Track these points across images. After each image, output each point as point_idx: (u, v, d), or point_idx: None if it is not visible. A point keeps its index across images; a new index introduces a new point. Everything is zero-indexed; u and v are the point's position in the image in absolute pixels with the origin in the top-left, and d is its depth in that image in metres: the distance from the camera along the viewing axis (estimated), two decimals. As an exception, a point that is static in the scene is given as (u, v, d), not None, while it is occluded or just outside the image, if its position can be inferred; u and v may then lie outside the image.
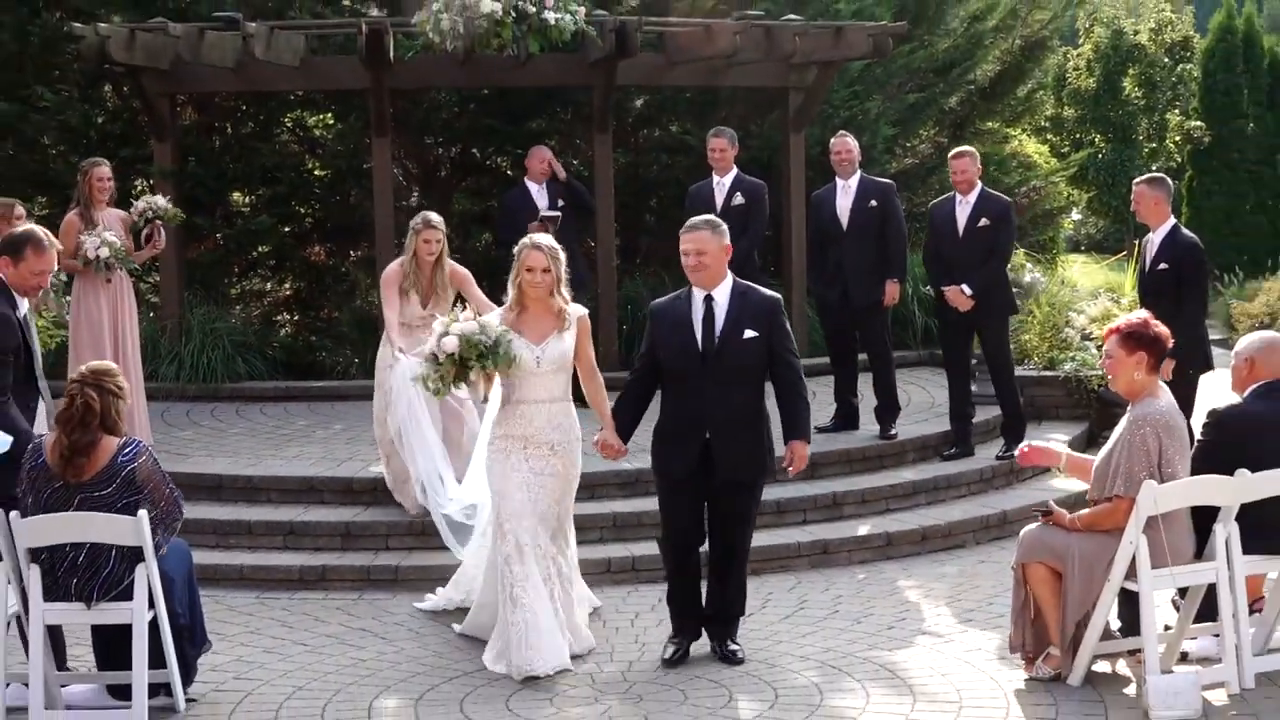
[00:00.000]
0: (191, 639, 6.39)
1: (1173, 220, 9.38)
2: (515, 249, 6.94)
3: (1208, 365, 9.11)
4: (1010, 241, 10.48)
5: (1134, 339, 6.37)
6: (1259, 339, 6.83)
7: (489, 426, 7.19)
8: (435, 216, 8.78)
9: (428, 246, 8.68)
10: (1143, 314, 6.68)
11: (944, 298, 9.96)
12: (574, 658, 6.80)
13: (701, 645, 6.90)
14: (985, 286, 9.83)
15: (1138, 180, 9.72)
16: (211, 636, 6.88)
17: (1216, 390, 9.49)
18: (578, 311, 6.94)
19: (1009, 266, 10.62)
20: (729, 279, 6.68)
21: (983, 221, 9.93)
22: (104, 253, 9.85)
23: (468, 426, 8.65)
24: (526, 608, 6.63)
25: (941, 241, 10.12)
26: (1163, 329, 6.52)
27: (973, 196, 9.97)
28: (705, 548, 6.96)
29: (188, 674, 6.38)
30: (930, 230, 10.37)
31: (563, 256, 6.88)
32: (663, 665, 6.73)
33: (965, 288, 9.77)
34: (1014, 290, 10.65)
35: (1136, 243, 9.76)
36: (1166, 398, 6.49)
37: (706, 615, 6.90)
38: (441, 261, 8.80)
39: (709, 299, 6.63)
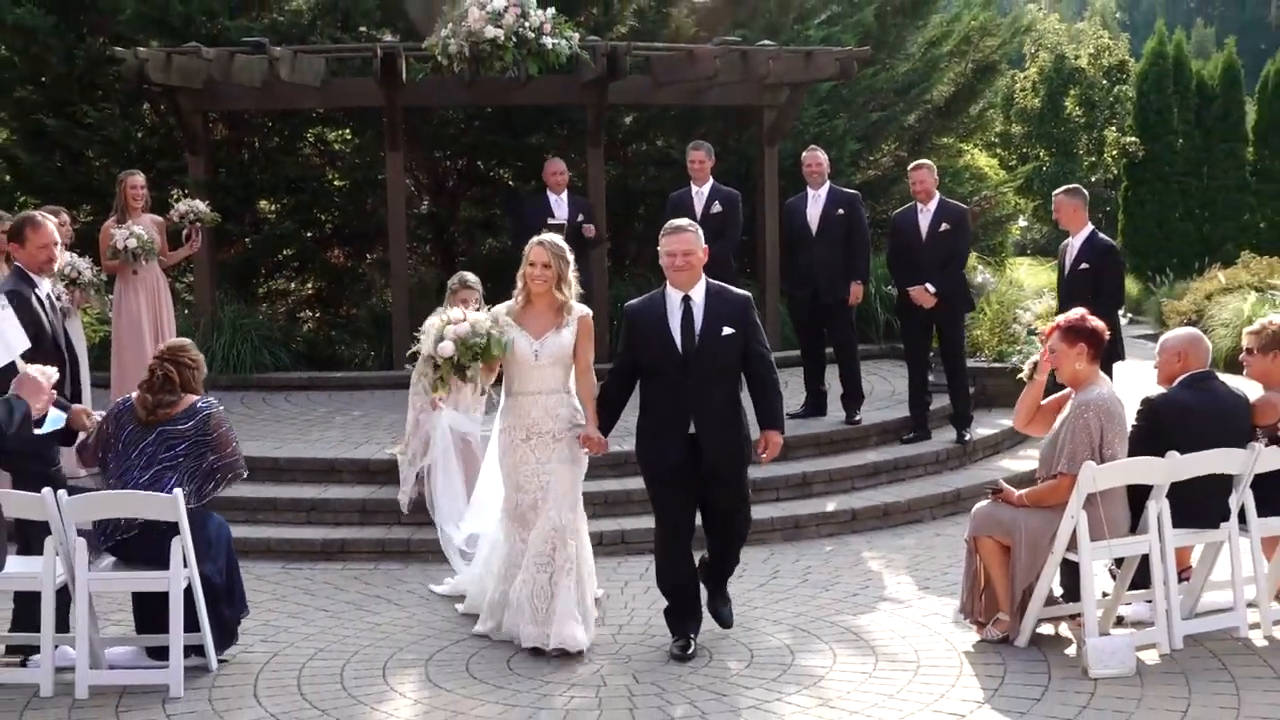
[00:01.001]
0: (229, 601, 6.39)
1: (1090, 226, 9.62)
2: (525, 247, 6.69)
3: (1120, 355, 9.33)
4: (968, 245, 10.55)
5: (1074, 333, 6.43)
6: (1187, 335, 6.86)
7: (497, 419, 6.94)
8: (471, 277, 8.52)
9: (465, 305, 8.49)
10: (1080, 311, 6.70)
11: (909, 296, 9.98)
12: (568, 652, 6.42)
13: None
14: (947, 286, 9.89)
15: (1057, 192, 9.98)
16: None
17: (1129, 377, 9.64)
18: (580, 311, 6.62)
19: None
20: (703, 279, 6.41)
21: (944, 227, 9.97)
22: (131, 243, 9.87)
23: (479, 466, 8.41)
24: (522, 589, 6.46)
25: (905, 246, 10.13)
26: (1099, 323, 6.58)
27: (932, 205, 10.01)
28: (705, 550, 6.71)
29: (226, 635, 6.41)
30: (894, 236, 10.35)
31: (570, 256, 6.59)
32: (674, 661, 6.34)
33: (929, 286, 9.81)
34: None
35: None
36: (1107, 386, 6.54)
37: (703, 565, 6.64)
38: None
39: (687, 299, 6.33)
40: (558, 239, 6.65)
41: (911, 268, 10.06)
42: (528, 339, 6.49)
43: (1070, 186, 10.10)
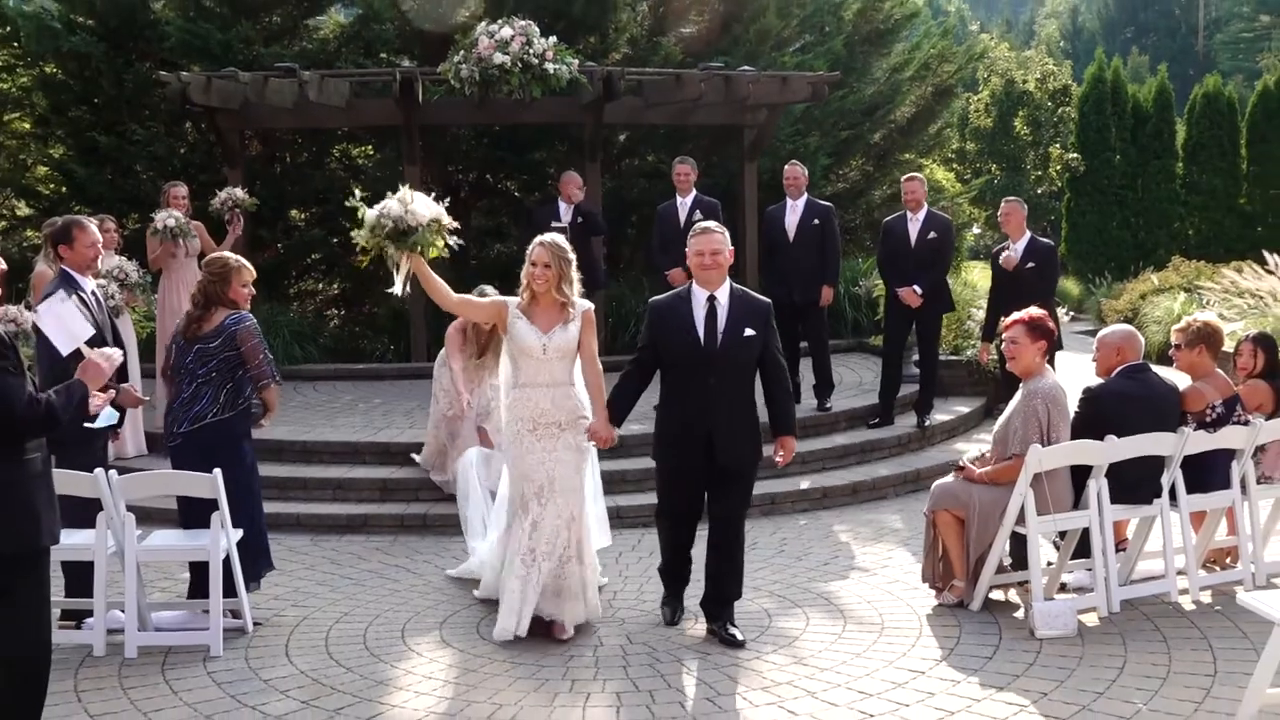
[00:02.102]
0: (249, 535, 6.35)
1: (1029, 231, 9.80)
2: (529, 248, 6.28)
3: (1060, 345, 9.34)
4: (951, 251, 10.56)
5: (1038, 330, 6.46)
6: (1124, 331, 6.87)
7: (505, 411, 6.39)
8: (489, 289, 8.16)
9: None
10: (1042, 311, 6.70)
11: (896, 296, 9.98)
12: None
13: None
14: (931, 287, 9.88)
15: (1008, 200, 10.12)
16: (270, 574, 6.84)
17: (1070, 369, 9.68)
18: (583, 305, 6.21)
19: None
20: (728, 281, 6.02)
21: (931, 235, 9.97)
22: (170, 222, 9.92)
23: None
24: (529, 576, 6.07)
25: (895, 251, 10.11)
26: (1052, 323, 6.60)
27: (922, 214, 10.01)
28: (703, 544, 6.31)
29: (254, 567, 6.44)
30: (885, 241, 10.29)
31: (571, 257, 6.16)
32: (665, 625, 6.22)
33: (917, 288, 9.80)
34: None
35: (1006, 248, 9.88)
36: (1053, 377, 6.54)
37: (707, 597, 6.19)
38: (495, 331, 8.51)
39: (712, 299, 5.94)
40: (559, 239, 6.25)
41: (900, 270, 10.04)
42: (536, 333, 6.10)
43: (1014, 198, 10.32)
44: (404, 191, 6.07)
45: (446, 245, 6.06)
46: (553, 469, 6.11)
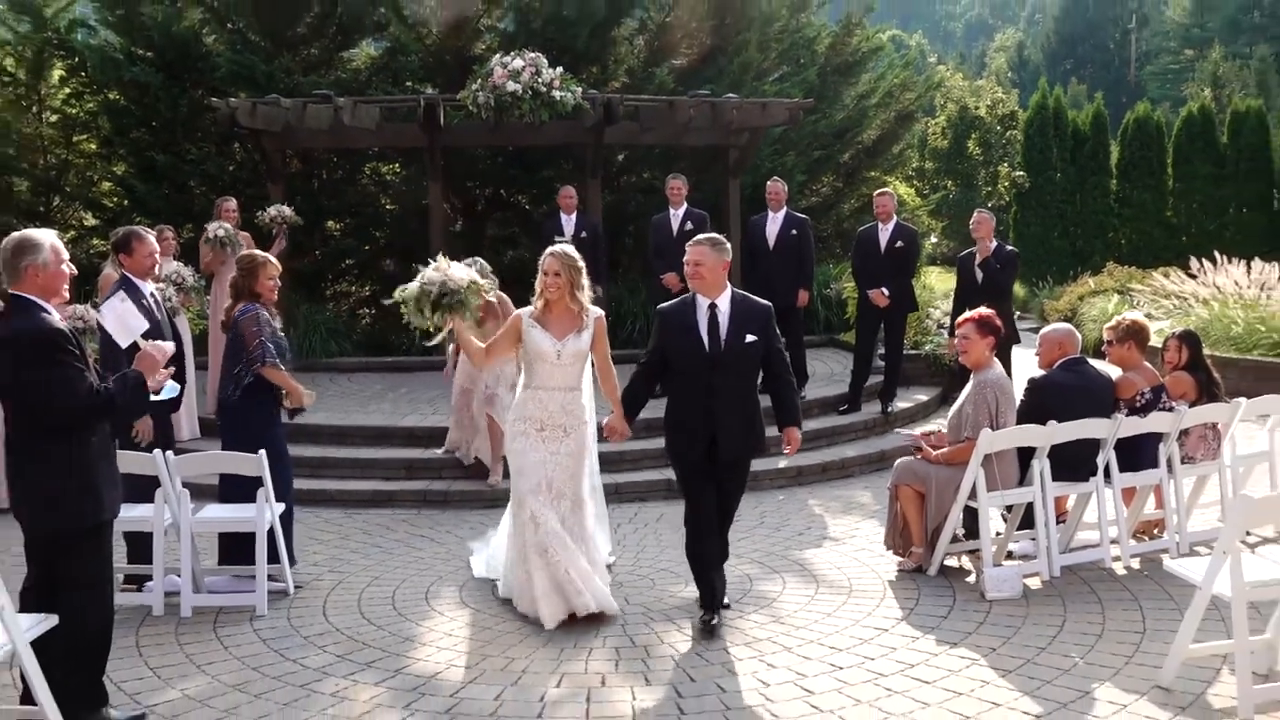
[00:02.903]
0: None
1: (994, 240, 9.87)
2: (541, 259, 5.95)
3: (1017, 339, 9.57)
4: (916, 259, 10.59)
5: (987, 327, 6.45)
6: (1065, 328, 6.87)
7: (512, 409, 6.09)
8: (481, 261, 8.21)
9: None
10: (990, 310, 6.70)
11: (867, 297, 9.97)
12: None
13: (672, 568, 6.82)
14: (897, 291, 9.89)
15: (982, 210, 10.10)
16: (309, 542, 6.88)
17: (1017, 361, 9.71)
18: (596, 313, 5.90)
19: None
20: (729, 289, 5.65)
21: (899, 244, 9.96)
22: (220, 232, 9.93)
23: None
24: (540, 567, 5.70)
25: (867, 257, 10.09)
26: (1000, 323, 6.60)
27: (891, 224, 10.01)
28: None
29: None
30: (858, 248, 10.26)
31: (581, 266, 5.85)
32: (702, 639, 5.56)
33: (884, 290, 9.80)
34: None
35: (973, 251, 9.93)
36: (999, 368, 6.54)
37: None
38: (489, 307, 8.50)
39: (713, 306, 5.61)
40: (569, 249, 5.92)
41: (871, 274, 10.04)
42: (550, 339, 5.77)
43: (987, 209, 10.37)
44: (439, 260, 5.87)
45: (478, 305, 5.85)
46: (552, 471, 5.81)
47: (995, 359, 6.57)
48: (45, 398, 4.23)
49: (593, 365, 6.03)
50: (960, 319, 6.66)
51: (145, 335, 5.05)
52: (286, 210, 10.86)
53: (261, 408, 6.32)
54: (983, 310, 6.61)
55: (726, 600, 5.89)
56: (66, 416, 4.26)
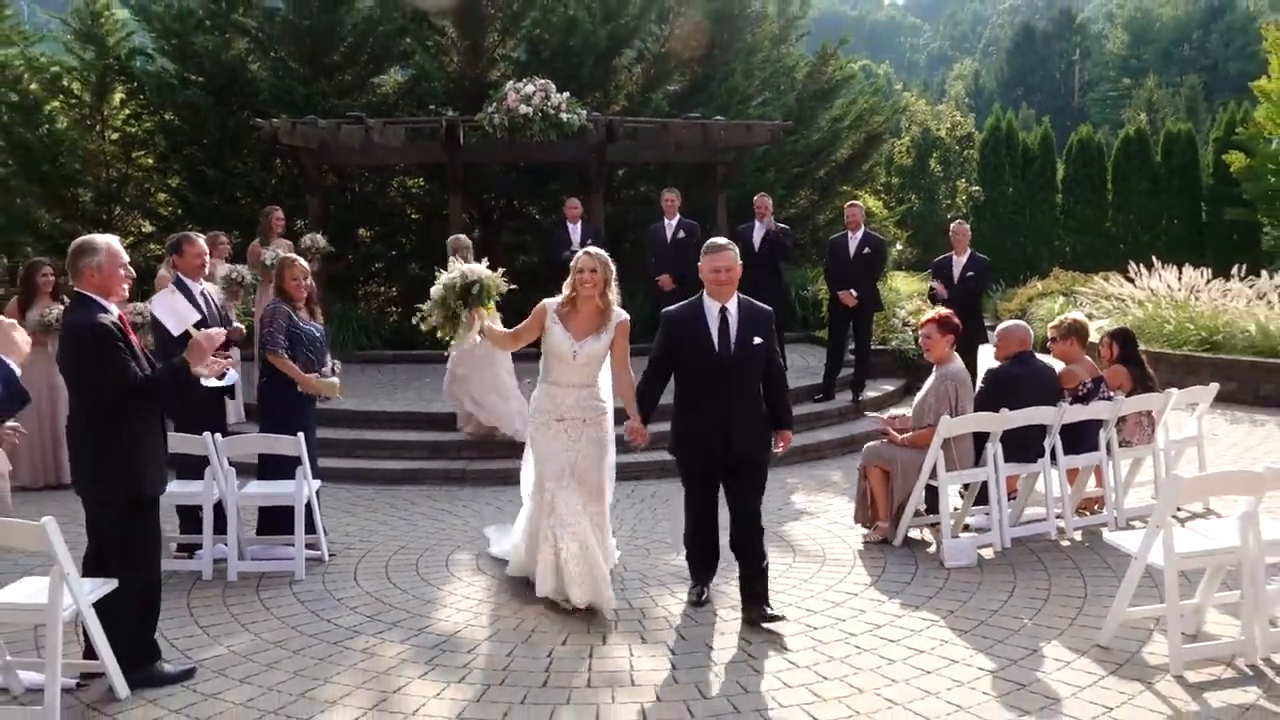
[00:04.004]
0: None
1: (969, 249, 9.76)
2: (573, 260, 5.49)
3: (985, 339, 9.42)
4: (883, 263, 10.62)
5: (947, 326, 6.45)
6: (1018, 326, 6.83)
7: (531, 401, 5.66)
8: (465, 239, 8.64)
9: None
10: (949, 310, 6.68)
11: (837, 299, 9.94)
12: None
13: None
14: (864, 292, 9.88)
15: (960, 222, 10.13)
16: (342, 515, 6.84)
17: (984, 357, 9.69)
18: (621, 316, 5.45)
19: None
20: (736, 293, 5.29)
21: (866, 250, 9.97)
22: (269, 259, 9.84)
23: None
24: (553, 546, 5.31)
25: (837, 262, 10.10)
26: (958, 322, 6.58)
27: (859, 233, 10.02)
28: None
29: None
30: (830, 254, 10.29)
31: (613, 266, 5.44)
32: (691, 607, 5.38)
33: (853, 291, 9.78)
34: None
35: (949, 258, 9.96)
36: (959, 362, 6.52)
37: (744, 593, 5.26)
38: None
39: (724, 310, 5.19)
40: (601, 251, 5.50)
41: (840, 277, 10.04)
42: (569, 339, 5.37)
43: (964, 221, 10.40)
44: (451, 261, 5.68)
45: (499, 293, 5.52)
46: (574, 457, 5.40)
47: (955, 354, 6.55)
48: (94, 383, 4.24)
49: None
50: (922, 320, 6.65)
51: (196, 326, 5.01)
52: (320, 240, 10.82)
53: (286, 393, 6.26)
54: (942, 310, 6.59)
55: (778, 614, 5.19)
56: (112, 399, 4.24)
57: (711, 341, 5.19)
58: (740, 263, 5.29)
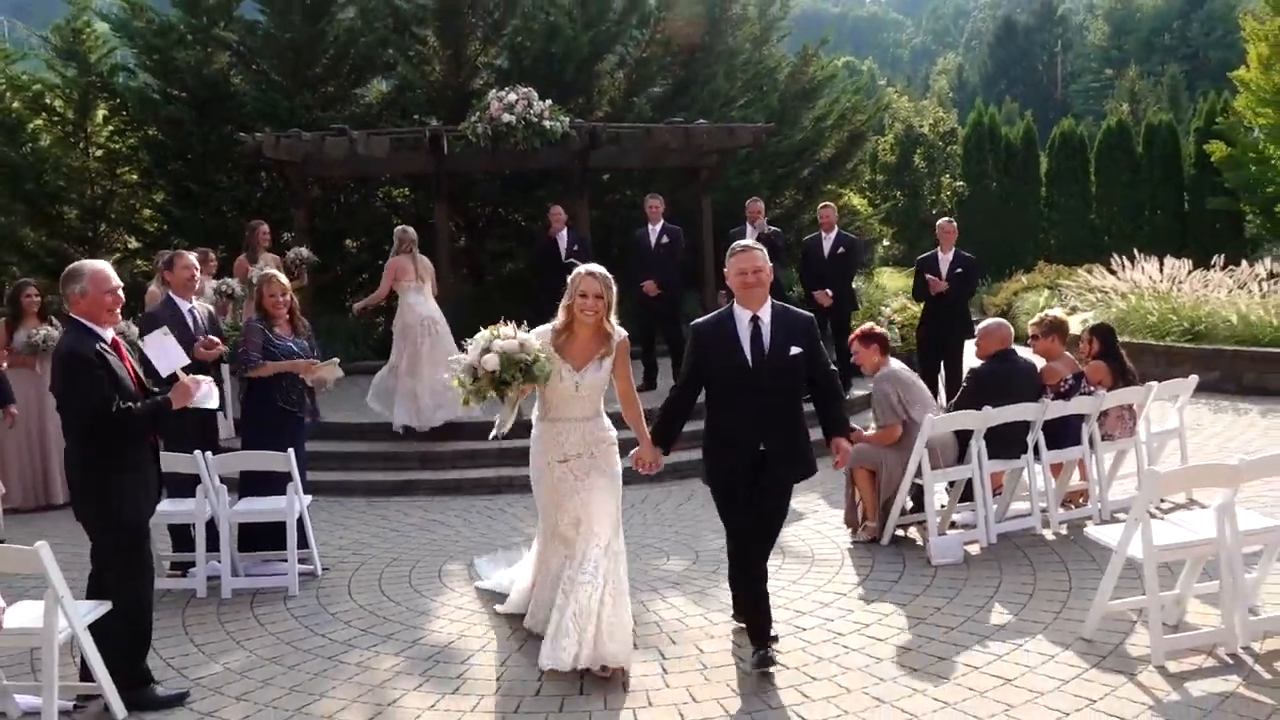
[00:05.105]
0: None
1: (954, 247, 10.00)
2: (570, 276, 4.86)
3: (971, 334, 9.62)
4: (856, 263, 10.75)
5: (867, 338, 6.63)
6: (999, 325, 6.91)
7: (533, 443, 5.00)
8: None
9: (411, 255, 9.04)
10: (869, 325, 6.90)
11: (813, 298, 10.03)
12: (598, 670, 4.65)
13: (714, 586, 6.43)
14: (840, 292, 9.96)
15: (944, 220, 10.25)
16: (335, 528, 6.86)
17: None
18: (620, 335, 4.89)
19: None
20: (769, 300, 4.75)
21: (840, 250, 10.08)
22: (255, 278, 9.86)
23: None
24: (563, 606, 4.68)
25: (812, 262, 10.20)
26: (881, 330, 6.77)
27: (833, 234, 10.16)
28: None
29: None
30: (805, 255, 10.42)
31: (614, 287, 4.86)
32: (757, 670, 4.61)
33: (829, 291, 9.87)
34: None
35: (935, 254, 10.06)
36: (895, 363, 6.66)
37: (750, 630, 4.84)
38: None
39: (755, 319, 4.68)
40: (603, 270, 4.86)
41: (816, 277, 10.14)
42: (570, 371, 4.80)
43: (949, 218, 10.50)
44: (501, 329, 4.72)
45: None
46: (587, 499, 4.82)
47: (888, 358, 6.69)
48: (73, 409, 4.34)
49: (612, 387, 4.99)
50: (851, 338, 6.87)
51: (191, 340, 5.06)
52: (305, 251, 10.85)
53: (265, 407, 6.33)
54: (862, 328, 6.79)
55: (775, 632, 4.84)
56: (89, 425, 4.31)
57: (743, 354, 4.66)
58: (770, 264, 4.80)
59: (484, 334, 4.71)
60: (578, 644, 4.57)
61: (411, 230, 9.27)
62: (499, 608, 5.51)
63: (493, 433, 5.02)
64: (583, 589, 4.65)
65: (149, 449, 4.54)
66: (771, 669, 4.61)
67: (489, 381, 4.61)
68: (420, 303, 9.02)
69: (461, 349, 4.83)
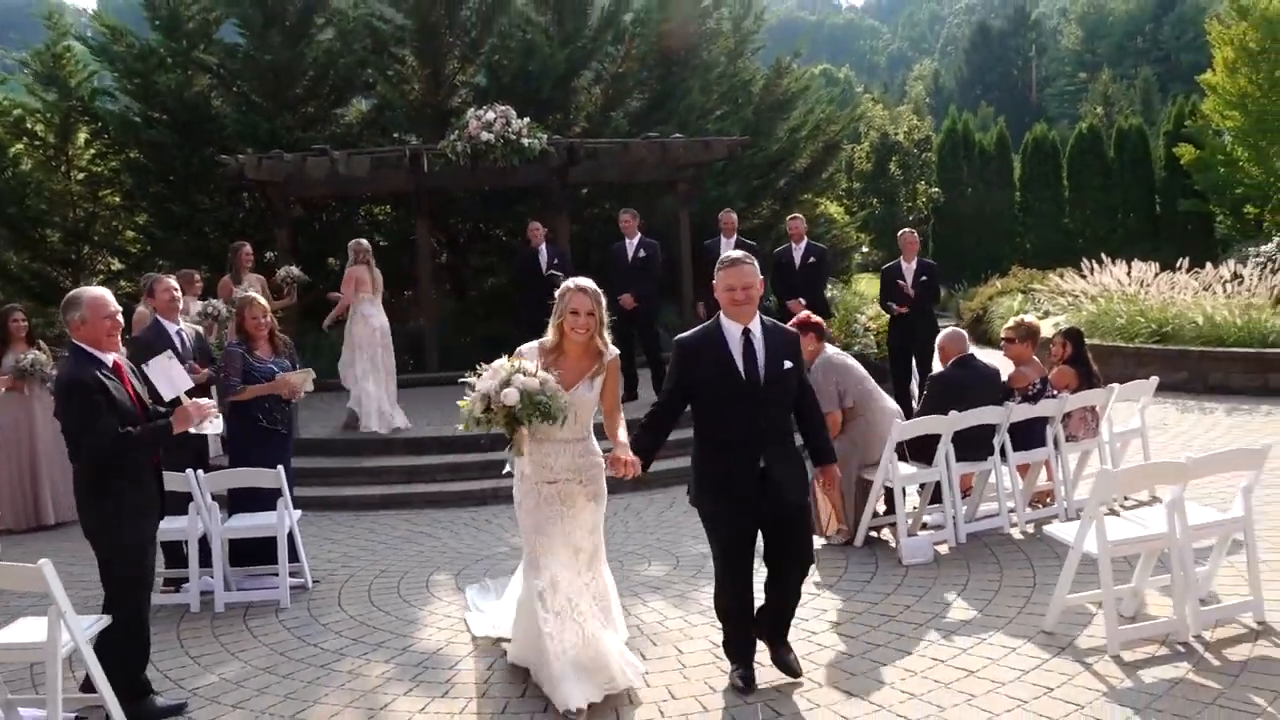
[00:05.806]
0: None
1: (917, 257, 10.12)
2: (559, 292, 4.60)
3: (937, 331, 9.90)
4: (827, 272, 10.98)
5: (804, 327, 6.52)
6: (956, 333, 7.10)
7: (517, 465, 4.66)
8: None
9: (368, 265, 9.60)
10: (806, 313, 6.92)
11: (787, 307, 10.26)
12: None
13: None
14: (812, 300, 10.15)
15: (906, 231, 10.49)
16: (323, 543, 6.97)
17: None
18: (612, 353, 4.65)
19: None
20: (758, 314, 4.56)
21: (810, 259, 10.31)
22: (239, 300, 10.04)
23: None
24: (557, 641, 4.50)
25: (783, 272, 10.42)
26: (817, 317, 6.85)
27: (803, 244, 10.39)
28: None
29: None
30: (776, 265, 10.59)
31: (603, 300, 4.61)
32: (737, 694, 4.55)
33: (801, 300, 10.10)
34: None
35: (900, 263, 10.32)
36: (830, 350, 6.72)
37: (762, 614, 4.77)
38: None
39: (747, 332, 4.47)
40: (593, 285, 4.60)
41: (788, 287, 10.36)
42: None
43: (910, 228, 10.78)
44: (524, 364, 4.36)
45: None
46: (571, 528, 4.59)
47: (827, 345, 6.75)
48: (71, 435, 4.47)
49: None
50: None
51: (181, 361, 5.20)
52: (294, 270, 11.00)
53: (248, 426, 6.50)
54: (799, 316, 6.77)
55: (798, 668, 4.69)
56: (89, 449, 4.44)
57: (736, 368, 4.44)
58: (762, 278, 4.60)
59: (505, 364, 4.35)
60: (578, 683, 4.45)
61: (366, 242, 9.69)
62: (510, 659, 4.98)
63: (504, 469, 4.88)
64: (570, 629, 4.52)
65: (151, 469, 4.71)
66: (751, 690, 4.57)
67: (503, 415, 4.26)
68: (374, 314, 9.43)
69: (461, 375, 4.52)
